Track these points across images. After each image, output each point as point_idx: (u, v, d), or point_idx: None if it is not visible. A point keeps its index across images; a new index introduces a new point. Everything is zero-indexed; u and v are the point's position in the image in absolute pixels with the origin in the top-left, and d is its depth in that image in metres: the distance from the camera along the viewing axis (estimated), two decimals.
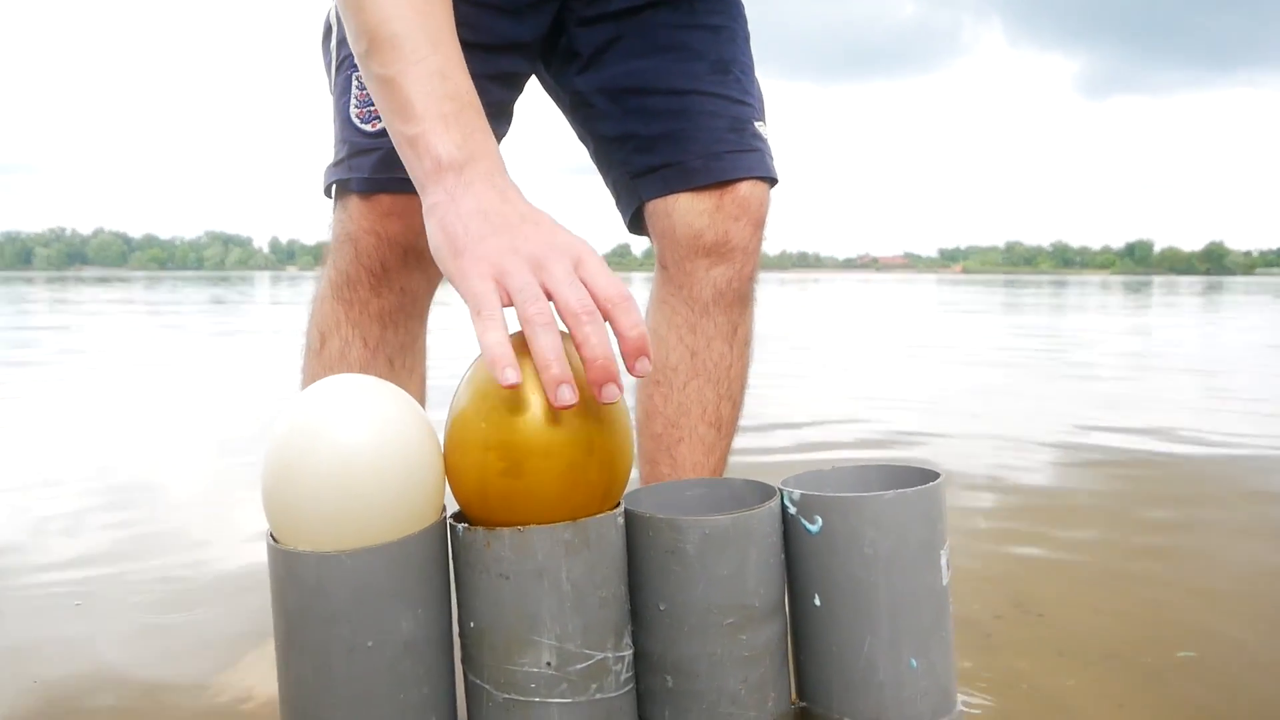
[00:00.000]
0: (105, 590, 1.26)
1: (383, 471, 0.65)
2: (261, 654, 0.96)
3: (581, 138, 1.14)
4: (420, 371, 1.06)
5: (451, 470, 0.70)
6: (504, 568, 0.68)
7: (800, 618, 0.79)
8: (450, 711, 0.72)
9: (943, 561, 0.77)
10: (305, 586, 0.65)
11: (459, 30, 0.98)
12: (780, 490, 0.78)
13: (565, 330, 0.67)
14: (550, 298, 0.66)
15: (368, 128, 0.97)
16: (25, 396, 3.26)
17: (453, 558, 0.71)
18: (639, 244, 1.14)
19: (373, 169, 0.96)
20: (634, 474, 1.01)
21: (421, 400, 1.04)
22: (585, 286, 0.66)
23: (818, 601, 0.77)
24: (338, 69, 1.01)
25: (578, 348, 0.65)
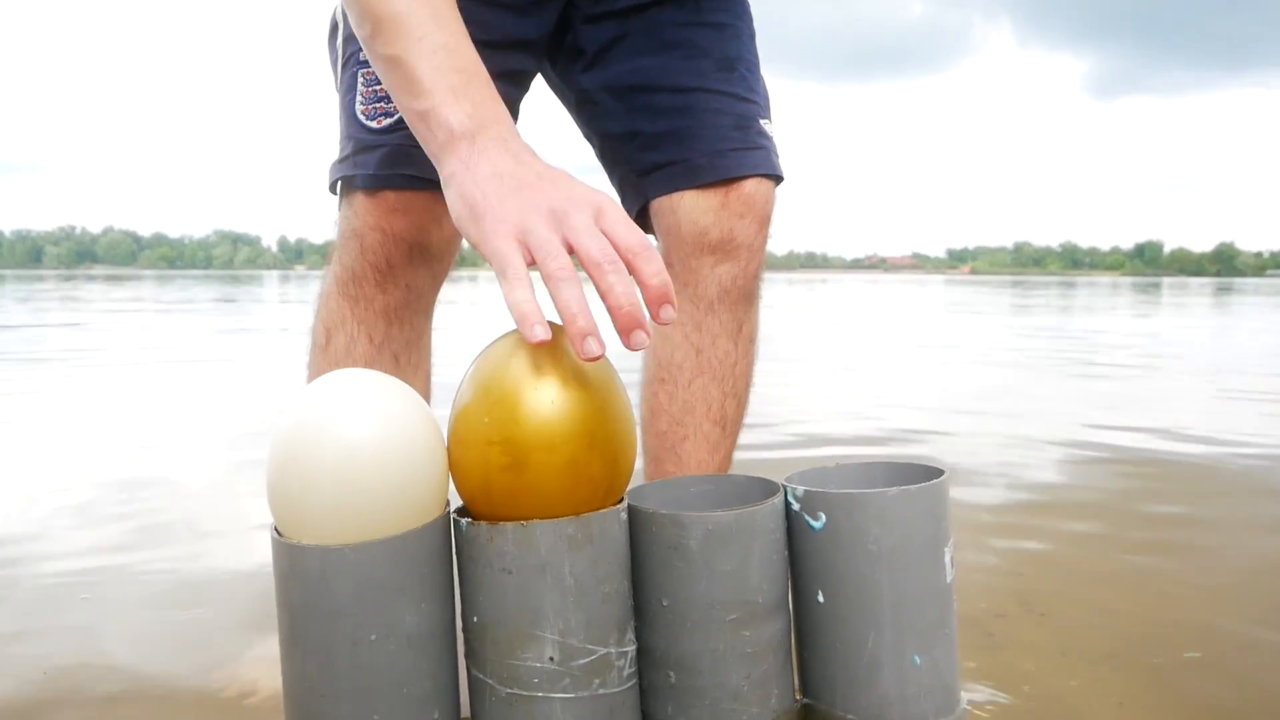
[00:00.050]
0: (113, 582, 1.27)
1: (387, 466, 0.66)
2: (266, 648, 0.97)
3: (587, 136, 1.14)
4: (425, 368, 1.06)
5: (455, 465, 0.71)
6: (507, 562, 0.68)
7: (804, 614, 0.79)
8: (453, 706, 0.72)
9: (947, 559, 0.77)
10: (309, 580, 0.65)
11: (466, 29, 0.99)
12: (784, 487, 0.78)
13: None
14: (572, 250, 0.66)
15: (373, 124, 0.97)
16: (38, 392, 3.27)
17: (456, 552, 0.72)
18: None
19: (378, 165, 0.96)
20: (638, 471, 1.02)
21: (427, 396, 1.04)
22: (606, 237, 0.67)
23: (821, 598, 0.77)
24: (343, 66, 1.01)
25: (602, 297, 0.65)
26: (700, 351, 1.09)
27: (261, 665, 0.94)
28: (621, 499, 0.74)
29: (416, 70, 0.75)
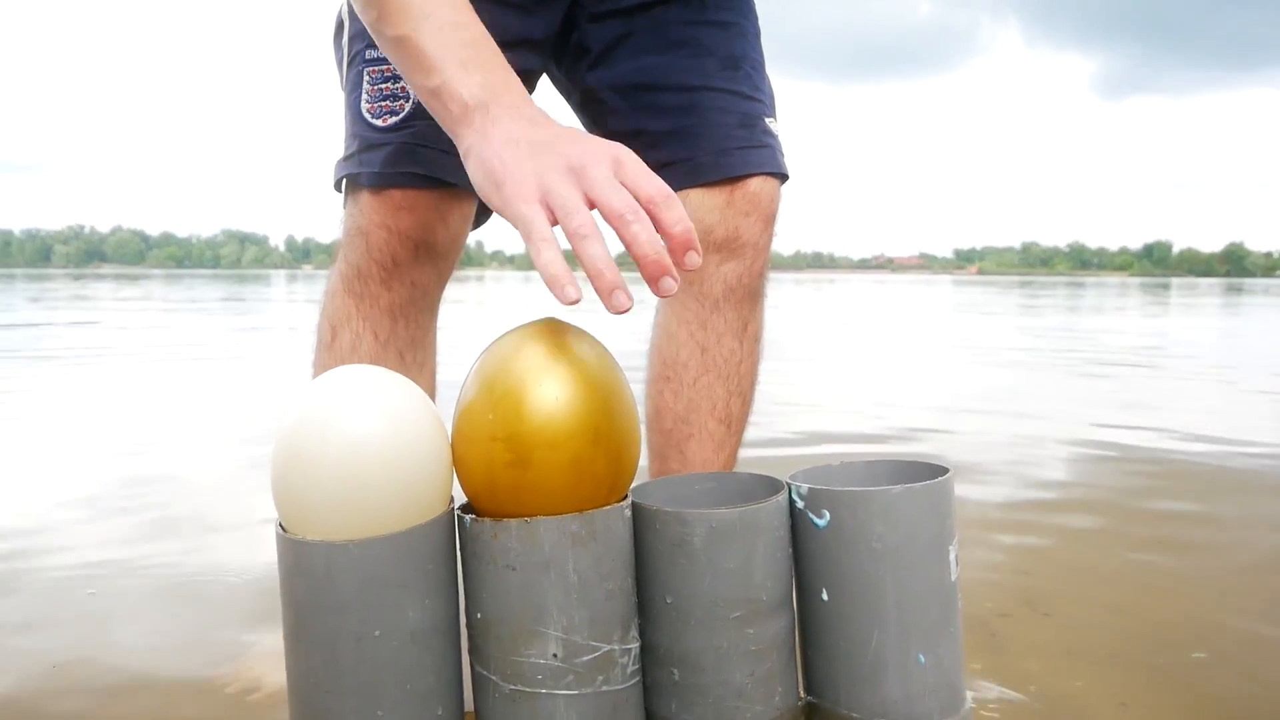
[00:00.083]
0: (119, 577, 1.27)
1: (391, 462, 0.66)
2: (270, 644, 0.97)
3: (592, 133, 1.14)
4: (430, 366, 1.07)
5: (459, 461, 0.71)
6: (511, 559, 0.68)
7: (808, 612, 0.79)
8: (457, 702, 0.72)
9: (951, 557, 0.76)
10: (313, 576, 0.65)
11: None
12: (788, 484, 0.78)
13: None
14: (594, 205, 0.67)
15: (379, 122, 0.97)
16: (48, 389, 3.29)
17: (460, 549, 0.72)
18: None
19: (383, 164, 0.97)
20: (643, 469, 1.02)
21: (432, 394, 1.04)
22: (627, 188, 0.67)
23: (825, 596, 0.77)
24: (349, 64, 1.02)
25: (627, 248, 0.65)
26: (705, 350, 1.09)
27: (266, 661, 0.94)
28: (625, 496, 0.74)
29: (424, 48, 0.75)
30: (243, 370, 4.14)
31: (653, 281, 0.66)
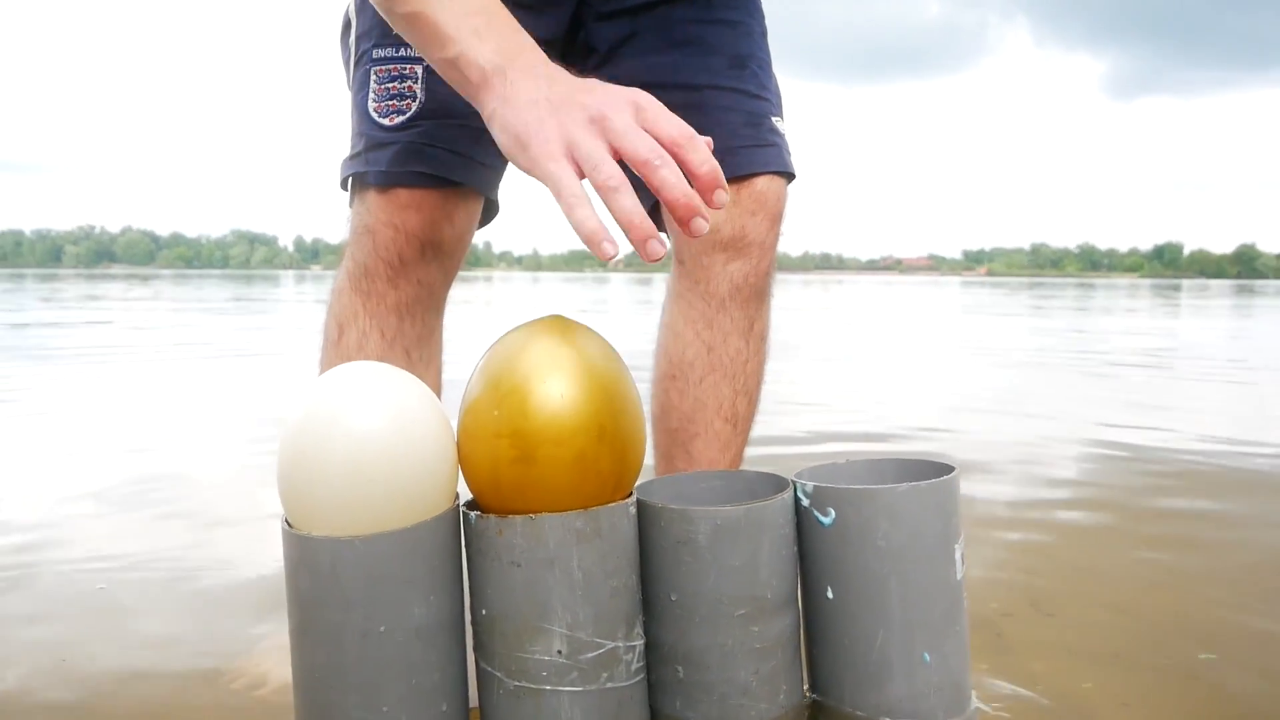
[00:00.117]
0: (128, 573, 1.28)
1: (396, 458, 0.66)
2: (276, 639, 0.97)
3: None
4: (437, 363, 1.07)
5: (464, 458, 0.71)
6: (516, 555, 0.68)
7: (813, 610, 0.79)
8: (462, 698, 0.72)
9: (957, 555, 0.76)
10: (319, 571, 0.66)
11: None
12: (793, 482, 0.78)
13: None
14: (619, 154, 0.67)
15: (385, 122, 0.98)
16: (61, 387, 3.30)
17: (465, 545, 0.72)
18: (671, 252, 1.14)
19: (389, 163, 0.97)
20: (650, 468, 1.02)
21: (438, 392, 1.05)
22: (649, 132, 0.68)
23: (830, 594, 0.77)
24: (356, 63, 1.02)
25: (656, 194, 0.67)
26: (711, 349, 1.09)
27: (272, 657, 0.94)
28: (630, 493, 0.74)
29: (437, 20, 0.76)
30: (251, 368, 4.16)
31: (684, 224, 0.67)
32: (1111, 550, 1.45)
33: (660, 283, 1.16)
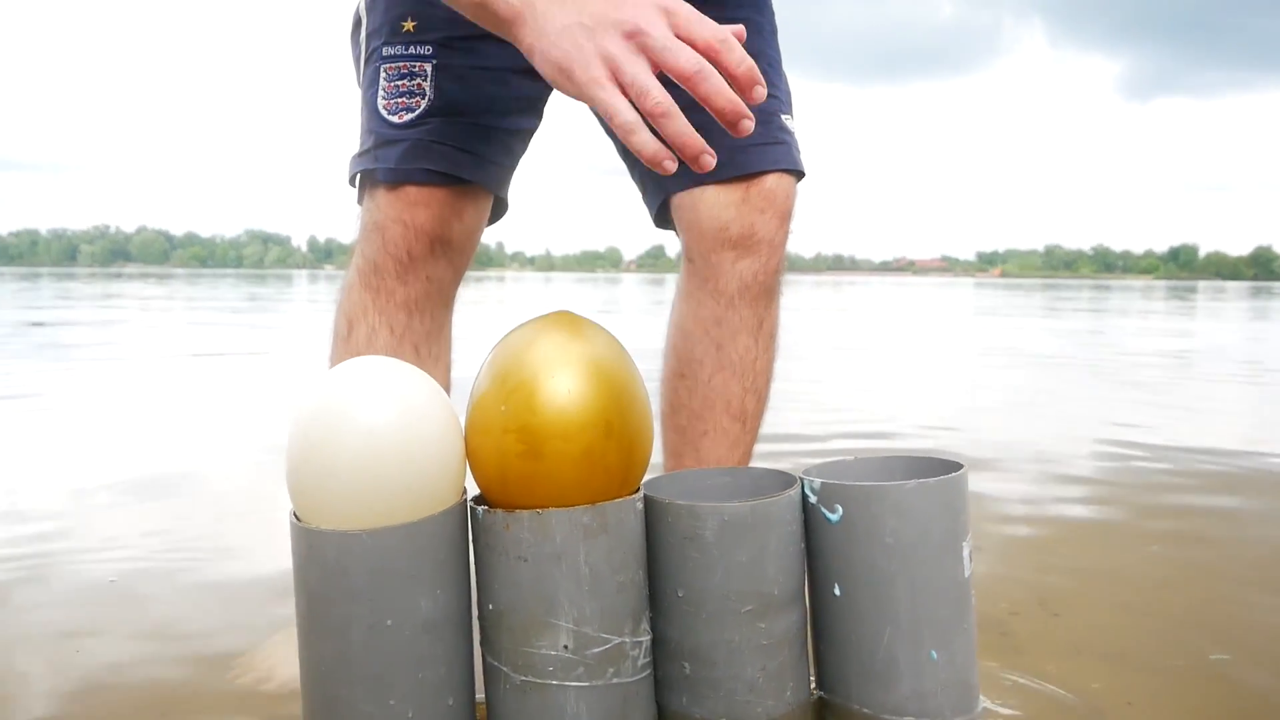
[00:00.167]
0: (139, 567, 1.29)
1: (404, 453, 0.66)
2: (284, 636, 0.98)
3: (609, 132, 1.14)
4: (446, 360, 1.07)
5: (472, 453, 0.71)
6: (522, 550, 0.68)
7: (820, 607, 0.79)
8: (468, 692, 0.72)
9: (965, 553, 0.76)
10: (327, 565, 0.66)
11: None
12: (801, 479, 0.78)
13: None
14: (660, 67, 0.70)
15: (395, 119, 0.98)
16: (75, 383, 3.32)
17: (472, 540, 0.72)
18: (675, 246, 1.14)
19: (398, 160, 0.97)
20: (659, 466, 1.02)
21: (447, 388, 1.05)
22: (683, 39, 0.70)
23: (838, 591, 0.77)
24: (366, 61, 1.02)
25: (704, 102, 0.70)
26: (720, 347, 1.09)
27: (280, 651, 0.95)
28: (638, 489, 0.74)
29: None
30: (263, 365, 4.18)
31: (733, 126, 0.71)
32: (1122, 549, 1.44)
33: (672, 283, 1.16)
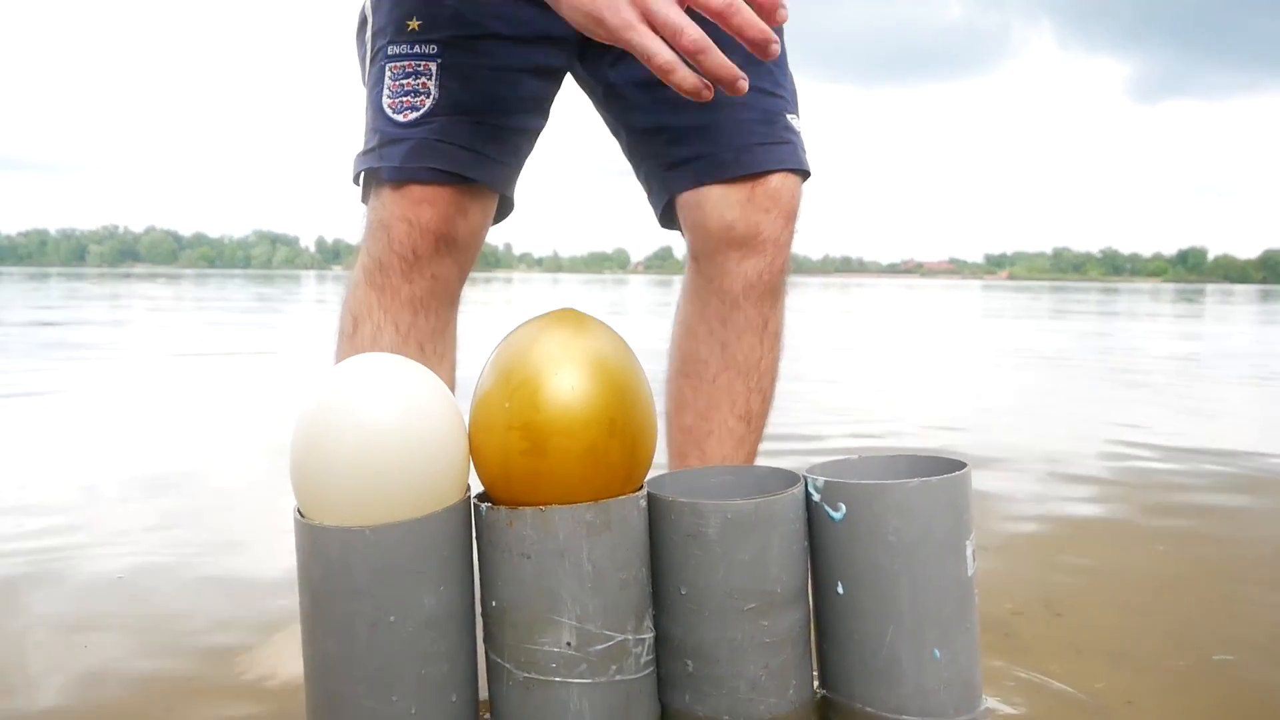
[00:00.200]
0: (146, 564, 1.29)
1: (407, 449, 0.66)
2: (288, 634, 0.98)
3: (614, 130, 1.14)
4: (451, 358, 1.07)
5: (476, 450, 0.71)
6: (526, 547, 0.68)
7: (823, 605, 0.79)
8: (471, 689, 0.73)
9: (968, 552, 0.76)
10: (330, 561, 0.66)
11: (492, 23, 0.99)
12: (804, 477, 0.78)
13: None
14: (687, 2, 0.74)
15: (400, 118, 0.98)
16: (82, 383, 3.34)
17: (476, 537, 0.72)
18: (683, 248, 1.14)
19: (403, 158, 0.97)
20: (663, 465, 1.02)
21: (451, 386, 1.05)
22: None
23: (841, 590, 0.77)
24: (372, 60, 1.03)
25: (736, 34, 0.75)
26: (725, 347, 1.09)
27: (285, 649, 0.95)
28: (641, 486, 0.74)
29: None
30: (271, 364, 4.19)
31: (763, 51, 0.75)
32: (1128, 549, 1.44)
33: (679, 284, 1.16)
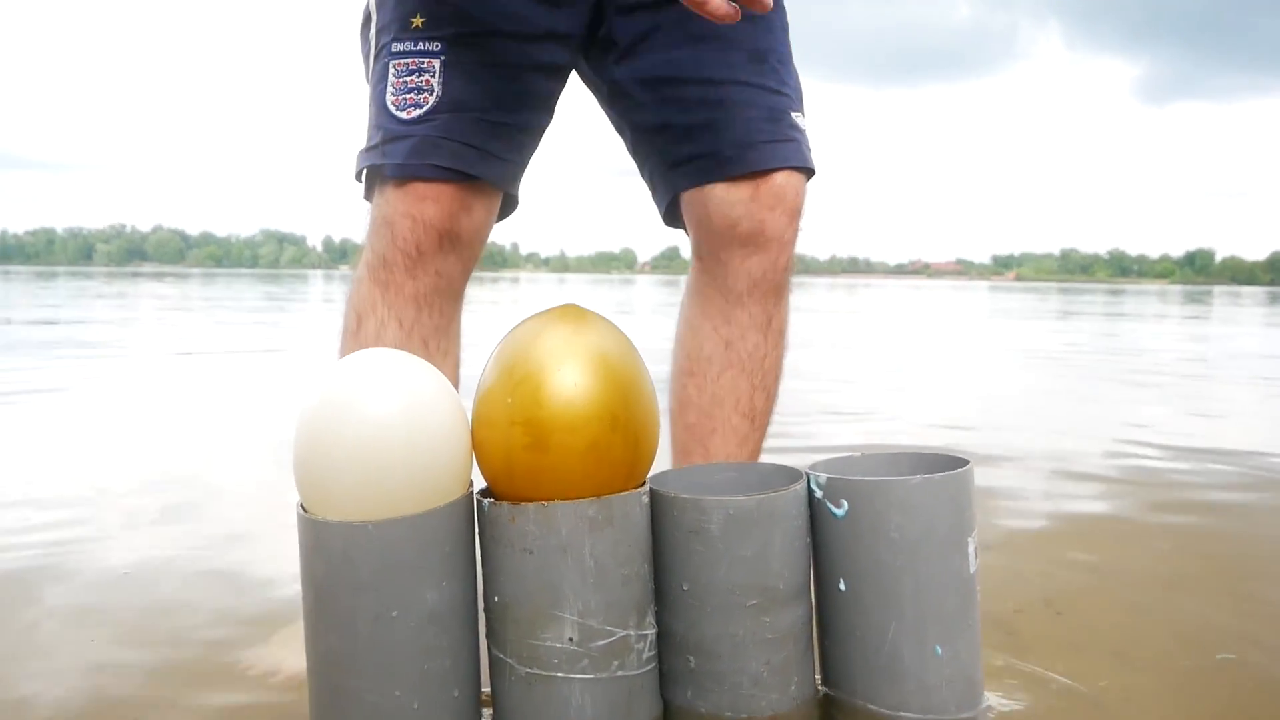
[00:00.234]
0: (151, 560, 1.29)
1: (410, 445, 0.67)
2: (292, 630, 0.98)
3: (618, 128, 1.14)
4: (454, 354, 1.07)
5: (479, 445, 0.71)
6: (528, 542, 0.69)
7: (825, 602, 0.79)
8: (474, 684, 0.73)
9: (970, 549, 0.76)
10: (333, 556, 0.66)
11: (497, 20, 1.00)
12: (807, 474, 0.78)
13: None
14: None
15: (403, 115, 0.98)
16: (89, 380, 3.35)
17: (479, 532, 0.72)
18: (689, 247, 1.14)
19: (406, 155, 0.98)
20: (667, 463, 1.02)
21: (455, 383, 1.05)
22: None
23: (843, 586, 0.77)
24: (375, 57, 1.03)
25: None
26: (729, 344, 1.09)
27: (288, 645, 0.95)
28: (644, 482, 0.74)
29: None
30: (278, 362, 4.20)
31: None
32: (1131, 547, 1.43)
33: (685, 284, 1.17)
